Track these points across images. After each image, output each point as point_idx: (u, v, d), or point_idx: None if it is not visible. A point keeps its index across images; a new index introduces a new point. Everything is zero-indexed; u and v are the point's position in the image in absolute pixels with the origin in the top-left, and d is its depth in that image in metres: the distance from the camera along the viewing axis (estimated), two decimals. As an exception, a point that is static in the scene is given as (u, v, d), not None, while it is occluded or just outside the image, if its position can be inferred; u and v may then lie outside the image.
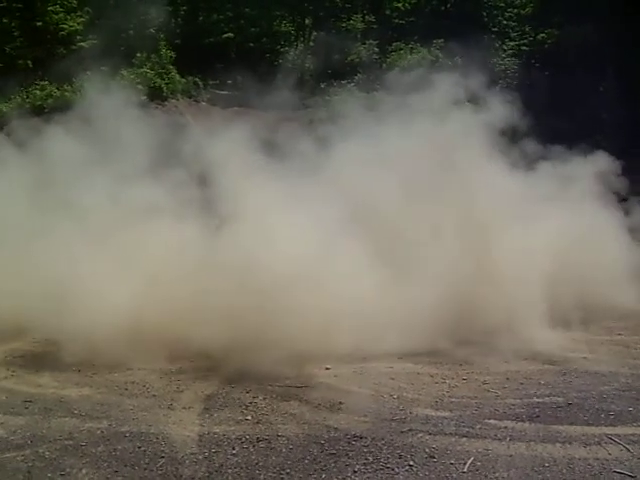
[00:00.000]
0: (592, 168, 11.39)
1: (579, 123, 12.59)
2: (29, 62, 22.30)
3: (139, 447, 5.52)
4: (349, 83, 11.07)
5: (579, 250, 10.10)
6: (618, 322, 9.92)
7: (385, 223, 9.10)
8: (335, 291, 8.04)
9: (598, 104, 22.39)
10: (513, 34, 28.83)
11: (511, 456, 5.43)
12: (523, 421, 6.12)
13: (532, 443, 5.66)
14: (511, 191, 9.85)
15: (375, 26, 28.71)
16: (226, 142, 9.34)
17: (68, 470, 5.13)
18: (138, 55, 23.28)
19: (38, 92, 21.54)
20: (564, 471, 5.19)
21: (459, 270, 8.68)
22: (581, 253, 10.12)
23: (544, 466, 5.26)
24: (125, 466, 5.21)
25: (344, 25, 28.50)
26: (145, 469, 5.17)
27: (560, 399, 6.69)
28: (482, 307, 8.57)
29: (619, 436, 5.77)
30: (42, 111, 19.11)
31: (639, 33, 24.18)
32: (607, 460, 5.36)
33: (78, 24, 23.43)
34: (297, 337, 7.54)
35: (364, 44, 27.29)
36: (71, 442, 5.59)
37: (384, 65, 12.15)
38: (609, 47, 23.66)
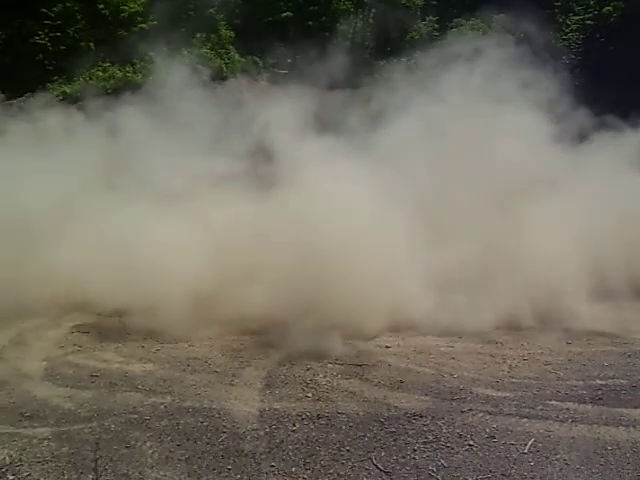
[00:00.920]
0: None
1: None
2: (91, 44, 22.55)
3: (201, 422, 5.62)
4: (408, 60, 10.94)
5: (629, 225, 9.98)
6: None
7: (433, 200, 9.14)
8: (394, 265, 8.10)
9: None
10: (577, 8, 28.06)
11: (573, 438, 5.37)
12: (585, 403, 6.04)
13: (594, 426, 5.59)
14: (558, 165, 9.83)
15: (435, 2, 28.27)
16: (285, 118, 9.44)
17: (133, 443, 5.26)
18: (198, 35, 23.40)
19: (100, 74, 21.80)
20: (627, 454, 5.11)
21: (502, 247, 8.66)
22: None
23: (607, 449, 5.20)
24: (187, 440, 5.31)
25: (403, 2, 28.12)
26: (207, 443, 5.26)
27: (624, 381, 6.58)
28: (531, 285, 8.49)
29: (684, 420, 5.66)
30: (105, 92, 19.38)
31: None
32: (672, 444, 5.27)
33: (139, 5, 23.60)
34: (355, 310, 7.63)
35: (424, 20, 26.92)
36: (135, 416, 5.73)
37: (444, 41, 11.98)
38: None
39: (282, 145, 9.19)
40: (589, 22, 27.39)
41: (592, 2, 27.84)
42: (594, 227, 9.32)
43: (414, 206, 8.75)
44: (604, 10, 27.04)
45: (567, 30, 27.38)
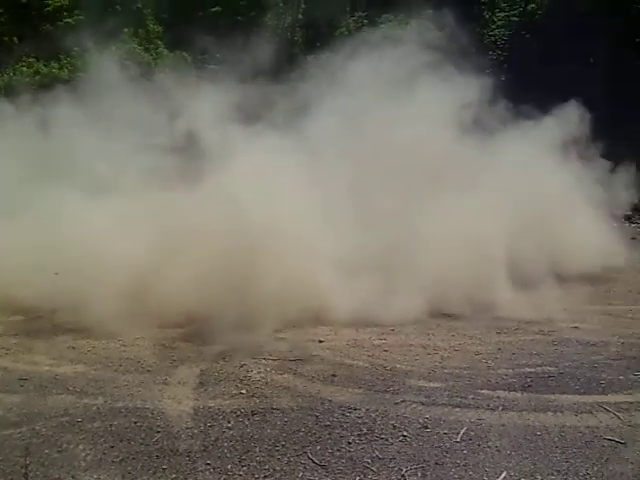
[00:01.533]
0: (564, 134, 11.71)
1: (565, 95, 12.70)
2: (15, 39, 22.05)
3: (135, 422, 5.54)
4: (336, 55, 11.04)
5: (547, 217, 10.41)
6: (607, 292, 10.06)
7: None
8: (318, 255, 8.28)
9: (586, 75, 22.35)
10: (503, 4, 28.60)
11: (503, 425, 5.49)
12: (515, 391, 6.19)
13: (524, 412, 5.73)
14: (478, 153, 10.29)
15: (363, -2, 28.48)
16: (212, 112, 9.55)
17: (65, 446, 5.15)
18: (125, 30, 23.07)
19: (25, 69, 21.33)
20: (556, 439, 5.25)
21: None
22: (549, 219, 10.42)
23: (536, 435, 5.33)
24: (121, 441, 5.24)
25: (334, -1, 28.24)
26: (141, 444, 5.20)
27: (552, 369, 6.76)
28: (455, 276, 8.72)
29: (610, 404, 5.85)
30: (29, 88, 18.95)
31: (630, 3, 24.13)
32: (598, 428, 5.43)
33: (64, 0, 23.17)
34: (281, 300, 7.76)
35: (353, 16, 27.08)
36: (67, 418, 5.61)
37: (372, 37, 12.12)
38: (599, 18, 23.53)
39: (209, 138, 9.24)
40: (515, 19, 27.94)
41: (518, -1, 28.40)
42: (510, 214, 9.65)
43: (338, 194, 8.92)
44: (529, 7, 27.64)
45: (493, 26, 27.91)
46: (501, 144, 11.04)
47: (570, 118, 12.08)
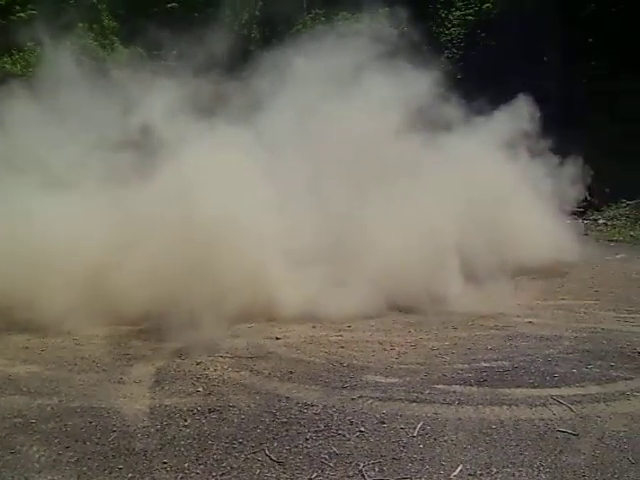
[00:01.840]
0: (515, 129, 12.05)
1: (519, 92, 12.97)
2: (-35, 33, 21.60)
3: (90, 422, 5.48)
4: (292, 51, 11.05)
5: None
6: (560, 287, 10.24)
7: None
8: (268, 248, 8.47)
9: (540, 74, 22.70)
10: (459, 4, 28.86)
11: (459, 419, 5.54)
12: (471, 385, 6.25)
13: (480, 406, 5.78)
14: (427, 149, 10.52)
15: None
16: (166, 107, 9.70)
17: (18, 448, 5.07)
18: (80, 25, 22.75)
19: (-24, 64, 20.95)
20: (510, 432, 5.31)
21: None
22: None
23: (491, 428, 5.38)
24: (76, 442, 5.17)
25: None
26: (97, 444, 5.14)
27: (506, 363, 6.84)
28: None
29: (563, 397, 5.93)
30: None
31: (580, 3, 24.51)
32: (552, 420, 5.50)
33: (17, -6, 22.79)
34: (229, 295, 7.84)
35: (310, 14, 27.10)
36: (20, 420, 5.52)
37: (328, 34, 12.16)
38: (552, 16, 23.87)
39: (163, 132, 9.33)
40: (470, 17, 28.21)
41: (473, -1, 28.67)
42: (461, 208, 9.81)
43: (291, 187, 9.00)
44: (484, 6, 27.91)
45: (449, 25, 28.15)
46: (452, 139, 11.23)
47: (521, 114, 12.36)
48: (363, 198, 9.36)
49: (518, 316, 8.58)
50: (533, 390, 6.12)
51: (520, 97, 12.72)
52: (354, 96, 10.43)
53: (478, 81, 18.54)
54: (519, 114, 12.36)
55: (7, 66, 20.36)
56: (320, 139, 10.00)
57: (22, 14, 22.23)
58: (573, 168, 13.41)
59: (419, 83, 10.50)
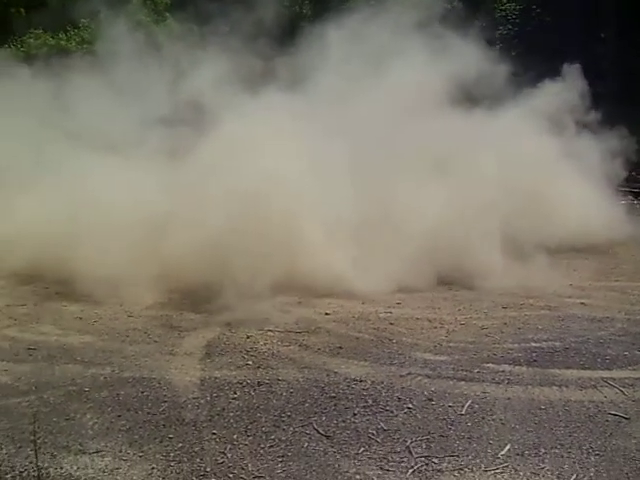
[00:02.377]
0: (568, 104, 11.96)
1: (573, 67, 12.78)
2: (22, 10, 21.88)
3: (142, 392, 5.59)
4: (342, 27, 10.99)
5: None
6: (614, 268, 10.07)
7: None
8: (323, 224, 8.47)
9: (597, 49, 22.22)
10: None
11: (508, 399, 5.51)
12: (521, 365, 6.19)
13: (529, 386, 5.73)
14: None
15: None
16: (221, 82, 10.02)
17: (72, 415, 5.20)
18: (134, 2, 22.88)
19: (32, 41, 21.18)
20: (560, 413, 5.26)
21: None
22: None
23: (540, 408, 5.34)
24: (128, 410, 5.28)
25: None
26: (148, 413, 5.24)
27: (557, 344, 6.76)
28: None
29: (614, 379, 5.85)
30: (36, 59, 18.86)
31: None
32: (602, 403, 5.43)
33: (73, -30, 22.99)
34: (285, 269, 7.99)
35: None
36: (75, 388, 5.66)
37: (380, 10, 12.05)
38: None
39: (213, 105, 9.46)
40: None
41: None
42: (511, 185, 9.74)
43: (338, 160, 9.03)
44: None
45: (504, 0, 27.61)
46: (502, 113, 11.12)
47: (575, 88, 12.13)
48: (407, 171, 9.31)
49: (570, 297, 8.45)
50: (584, 372, 6.05)
51: (573, 71, 12.48)
52: (401, 71, 10.38)
53: (533, 57, 18.19)
54: (572, 89, 12.15)
55: (62, 42, 20.59)
56: (366, 112, 9.98)
57: (77, -9, 22.45)
58: (630, 147, 13.11)
59: (470, 58, 10.39)
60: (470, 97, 10.66)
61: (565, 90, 12.12)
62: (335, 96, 10.15)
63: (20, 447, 4.69)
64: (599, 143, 12.36)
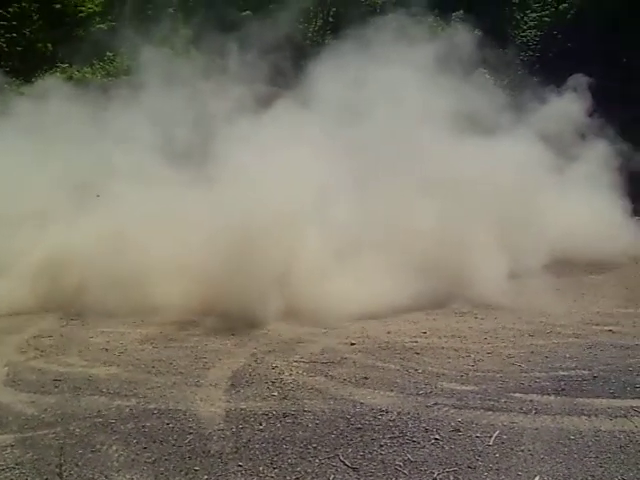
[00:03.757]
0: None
1: (595, 94, 12.90)
2: (48, 45, 22.25)
3: (167, 424, 5.58)
4: (362, 54, 11.20)
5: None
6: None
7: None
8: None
9: (620, 75, 22.14)
10: (535, 5, 28.33)
11: (537, 429, 5.44)
12: (549, 394, 6.12)
13: (558, 416, 5.66)
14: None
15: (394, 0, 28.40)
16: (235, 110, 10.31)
17: (98, 447, 5.20)
18: (157, 35, 23.21)
19: (58, 74, 21.51)
20: (590, 443, 5.19)
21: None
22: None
23: (570, 439, 5.27)
24: (154, 442, 5.28)
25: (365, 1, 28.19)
26: (173, 445, 5.23)
27: (586, 372, 6.68)
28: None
29: (645, 408, 5.76)
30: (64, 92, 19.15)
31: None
32: (633, 432, 5.35)
33: (97, 6, 23.37)
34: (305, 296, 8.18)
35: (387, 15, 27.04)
36: (100, 419, 5.67)
37: (402, 37, 12.18)
38: (631, 18, 23.25)
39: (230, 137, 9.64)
40: (546, 19, 27.63)
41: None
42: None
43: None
44: (560, 7, 27.31)
45: (525, 27, 27.66)
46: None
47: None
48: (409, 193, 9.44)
49: (597, 324, 8.36)
50: (613, 401, 5.96)
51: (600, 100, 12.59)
52: (416, 100, 10.51)
53: (555, 83, 18.18)
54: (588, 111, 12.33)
55: (88, 75, 20.90)
56: (376, 139, 10.17)
57: (102, 25, 22.81)
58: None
59: (495, 87, 10.53)
60: (485, 126, 10.76)
61: (579, 112, 12.25)
62: (342, 118, 10.32)
63: (47, 479, 4.69)
64: (621, 168, 12.38)
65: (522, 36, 27.01)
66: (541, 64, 24.31)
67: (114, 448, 5.18)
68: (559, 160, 11.94)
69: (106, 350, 7.52)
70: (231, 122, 10.03)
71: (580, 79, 13.85)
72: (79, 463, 4.94)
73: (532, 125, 11.90)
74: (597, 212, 11.67)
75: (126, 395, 6.19)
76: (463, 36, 12.03)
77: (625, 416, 5.63)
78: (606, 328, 8.18)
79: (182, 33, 24.10)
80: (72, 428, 5.50)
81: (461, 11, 23.69)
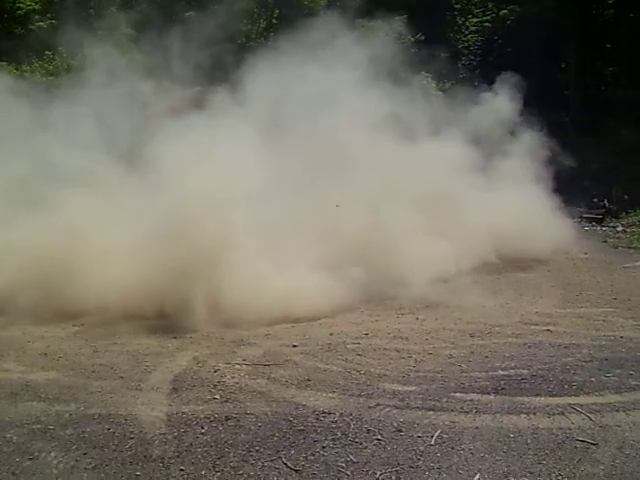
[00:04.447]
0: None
1: (535, 98, 13.19)
2: (-18, 42, 21.73)
3: (108, 429, 5.50)
4: (305, 57, 11.28)
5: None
6: (579, 295, 10.21)
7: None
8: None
9: (559, 80, 22.67)
10: (476, 10, 28.77)
11: (477, 428, 5.51)
12: (488, 394, 6.21)
13: (497, 415, 5.75)
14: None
15: (338, 4, 28.47)
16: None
17: (37, 454, 5.09)
18: (99, 34, 22.84)
19: (-6, 72, 21.05)
20: (528, 441, 5.28)
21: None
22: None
23: (509, 437, 5.35)
24: (94, 448, 5.19)
25: (306, 3, 28.20)
26: (114, 450, 5.15)
27: (525, 371, 6.79)
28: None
29: (581, 406, 5.88)
30: None
31: (598, 9, 24.41)
32: (570, 429, 5.46)
33: (35, 3, 22.90)
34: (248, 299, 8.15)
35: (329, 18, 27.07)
36: (39, 426, 5.55)
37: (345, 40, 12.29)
38: (569, 23, 23.81)
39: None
40: (487, 24, 28.10)
41: (490, 5, 28.55)
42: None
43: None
44: (501, 13, 27.80)
45: (466, 32, 28.07)
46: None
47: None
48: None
49: (536, 324, 8.52)
50: (551, 399, 6.08)
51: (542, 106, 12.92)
52: (351, 102, 10.70)
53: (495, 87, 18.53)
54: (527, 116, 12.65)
55: (26, 74, 20.46)
56: (312, 142, 10.33)
57: (41, 23, 22.36)
58: (591, 175, 13.49)
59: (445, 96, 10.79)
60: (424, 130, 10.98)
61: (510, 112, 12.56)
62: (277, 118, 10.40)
63: (-18, 488, 4.59)
64: (560, 173, 12.69)
65: (464, 40, 27.40)
66: (481, 68, 24.73)
67: (53, 455, 5.08)
68: (491, 160, 12.22)
69: (45, 355, 7.37)
70: (167, 121, 9.92)
71: (511, 79, 14.08)
72: (16, 472, 4.84)
73: (466, 127, 12.10)
74: (527, 209, 11.94)
75: (65, 400, 6.08)
76: (405, 40, 12.16)
77: (562, 413, 5.75)
78: (544, 328, 8.35)
79: (124, 32, 23.80)
80: (9, 435, 5.37)
81: (405, 15, 23.91)
